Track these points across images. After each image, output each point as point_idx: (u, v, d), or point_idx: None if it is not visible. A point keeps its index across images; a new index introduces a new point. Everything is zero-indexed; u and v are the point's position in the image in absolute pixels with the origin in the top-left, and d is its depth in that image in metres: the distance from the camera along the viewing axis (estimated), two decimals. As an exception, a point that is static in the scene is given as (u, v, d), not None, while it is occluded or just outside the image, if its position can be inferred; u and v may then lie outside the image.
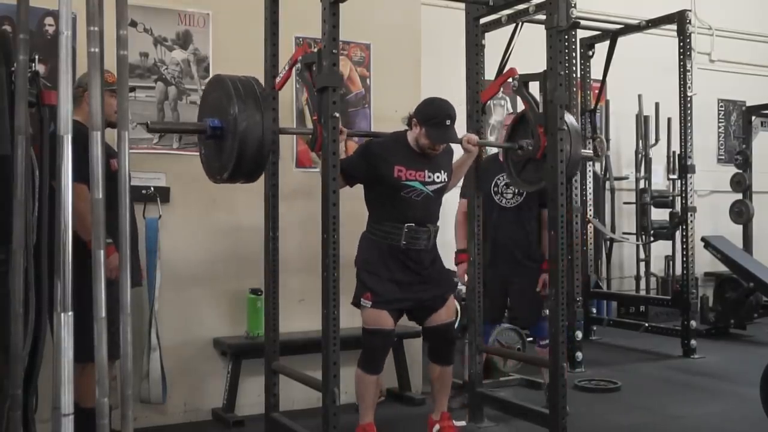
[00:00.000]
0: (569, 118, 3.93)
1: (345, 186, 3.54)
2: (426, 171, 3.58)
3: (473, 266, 4.09)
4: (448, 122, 3.50)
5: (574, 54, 6.09)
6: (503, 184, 4.34)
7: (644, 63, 7.82)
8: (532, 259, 4.37)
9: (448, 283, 3.82)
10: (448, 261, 3.96)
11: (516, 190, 4.31)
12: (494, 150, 4.76)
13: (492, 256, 4.40)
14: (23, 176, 2.04)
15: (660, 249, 8.09)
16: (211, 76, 4.23)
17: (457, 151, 3.81)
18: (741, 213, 7.86)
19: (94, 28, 1.96)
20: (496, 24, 4.48)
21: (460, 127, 4.18)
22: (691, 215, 6.04)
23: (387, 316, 3.53)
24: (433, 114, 3.53)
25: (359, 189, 3.68)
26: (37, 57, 2.16)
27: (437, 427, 3.76)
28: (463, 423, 3.98)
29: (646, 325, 6.68)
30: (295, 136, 4.46)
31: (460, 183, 4.09)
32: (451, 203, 4.28)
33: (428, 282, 3.64)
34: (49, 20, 3.83)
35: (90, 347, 1.94)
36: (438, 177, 3.62)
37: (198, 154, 3.78)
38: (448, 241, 4.45)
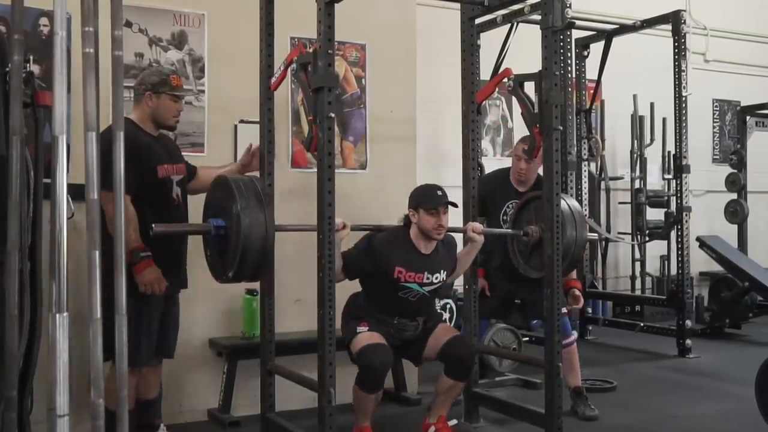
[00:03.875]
0: (572, 202, 3.97)
1: (344, 279, 3.54)
2: (425, 273, 3.58)
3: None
4: (439, 192, 3.53)
5: (569, 54, 6.10)
6: (512, 212, 4.35)
7: (639, 63, 7.85)
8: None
9: (437, 320, 3.86)
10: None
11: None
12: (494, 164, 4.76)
13: (500, 267, 4.40)
14: (18, 177, 2.04)
15: (655, 249, 8.11)
16: (206, 76, 4.25)
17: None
18: (736, 213, 7.88)
19: (89, 29, 1.96)
20: (492, 24, 4.48)
21: (457, 127, 4.20)
22: (686, 215, 6.05)
23: (382, 338, 3.50)
24: (422, 193, 3.59)
25: (356, 185, 3.68)
26: (31, 57, 2.17)
27: (432, 429, 3.74)
28: (454, 421, 3.98)
29: (642, 324, 6.70)
30: (290, 137, 4.46)
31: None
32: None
33: (419, 337, 3.68)
34: (43, 21, 3.82)
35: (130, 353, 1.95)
36: (437, 278, 3.63)
37: (195, 154, 3.80)
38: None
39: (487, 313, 4.49)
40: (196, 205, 3.60)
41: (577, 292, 4.30)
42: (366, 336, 3.49)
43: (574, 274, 4.38)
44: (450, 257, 3.75)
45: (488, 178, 4.73)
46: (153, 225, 3.09)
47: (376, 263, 3.53)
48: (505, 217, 4.35)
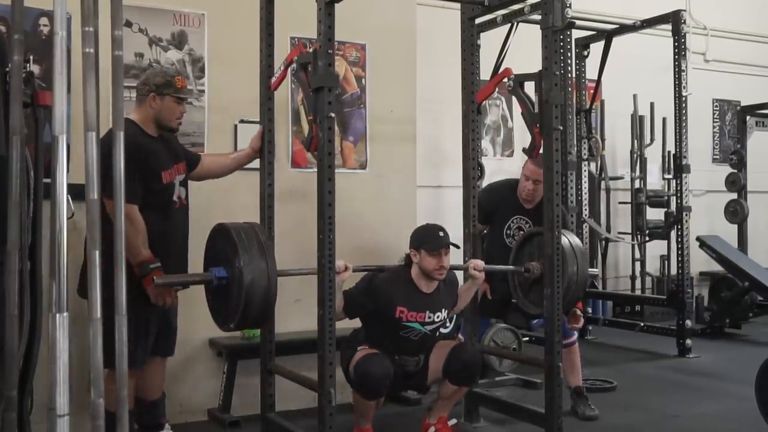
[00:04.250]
0: (573, 239, 3.96)
1: (344, 318, 3.53)
2: (427, 312, 3.58)
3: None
4: (441, 233, 3.53)
5: (569, 54, 6.10)
6: (516, 227, 4.33)
7: (639, 63, 7.85)
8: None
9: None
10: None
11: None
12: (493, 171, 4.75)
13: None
14: (18, 177, 2.04)
15: (655, 249, 8.11)
16: (206, 76, 4.25)
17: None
18: (736, 212, 7.88)
19: (89, 29, 1.95)
20: (492, 24, 4.48)
21: (457, 126, 4.20)
22: (686, 215, 6.05)
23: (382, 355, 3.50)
24: (424, 233, 3.58)
25: (356, 185, 3.68)
26: (31, 57, 2.16)
27: (433, 429, 3.74)
28: (454, 421, 3.98)
29: (642, 324, 6.70)
30: (290, 137, 4.46)
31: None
32: (453, 202, 4.26)
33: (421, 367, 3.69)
34: (43, 20, 3.82)
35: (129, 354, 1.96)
36: (438, 317, 3.63)
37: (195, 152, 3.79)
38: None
39: (487, 312, 4.49)
40: (198, 206, 3.61)
41: (578, 312, 4.29)
42: (364, 352, 3.50)
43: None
44: (451, 295, 3.75)
45: (495, 188, 4.71)
46: (155, 277, 3.10)
47: (378, 303, 3.53)
48: (509, 231, 4.36)
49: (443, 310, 3.66)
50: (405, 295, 3.55)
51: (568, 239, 3.87)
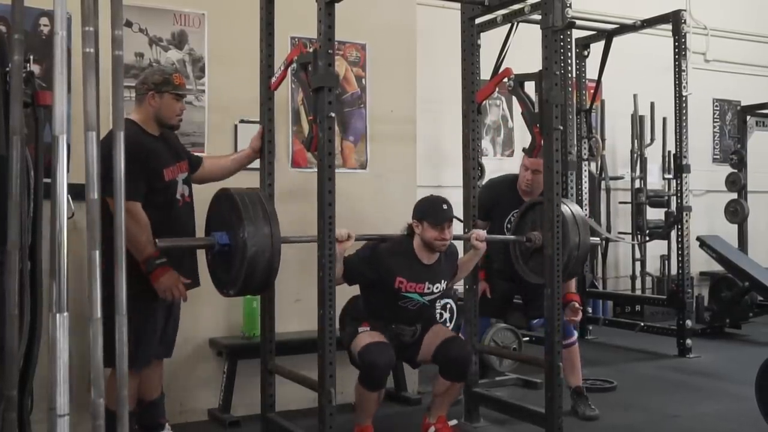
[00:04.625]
0: (575, 208, 3.98)
1: (343, 284, 3.54)
2: (426, 283, 3.58)
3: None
4: (445, 206, 3.54)
5: (569, 54, 6.10)
6: (516, 217, 4.33)
7: (639, 63, 7.85)
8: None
9: (433, 321, 3.87)
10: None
11: None
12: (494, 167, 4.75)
13: (498, 263, 4.40)
14: (18, 177, 2.04)
15: (655, 248, 8.12)
16: (206, 76, 4.25)
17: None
18: (736, 212, 7.88)
19: (90, 29, 1.95)
20: (492, 24, 4.49)
21: (457, 126, 4.20)
22: (686, 215, 6.05)
23: (383, 336, 3.51)
24: (428, 205, 3.58)
25: (356, 185, 3.68)
26: (32, 57, 2.16)
27: (432, 429, 3.73)
28: (455, 422, 3.98)
29: (642, 324, 6.70)
30: (290, 137, 4.46)
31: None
32: (454, 202, 4.25)
33: (417, 341, 3.70)
34: (44, 20, 3.82)
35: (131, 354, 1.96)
36: (437, 287, 3.64)
37: (195, 154, 3.79)
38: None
39: (487, 312, 4.49)
40: (198, 206, 3.61)
41: (576, 305, 4.29)
42: (367, 335, 3.50)
43: (573, 286, 4.36)
44: (451, 266, 3.75)
45: (494, 184, 4.72)
46: (157, 240, 3.09)
47: (378, 272, 3.53)
48: (509, 225, 4.35)
49: (442, 281, 3.66)
50: (405, 266, 3.55)
51: (570, 208, 3.88)
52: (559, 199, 3.51)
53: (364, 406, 3.53)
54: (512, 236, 4.07)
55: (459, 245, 3.87)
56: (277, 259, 3.14)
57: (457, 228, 3.81)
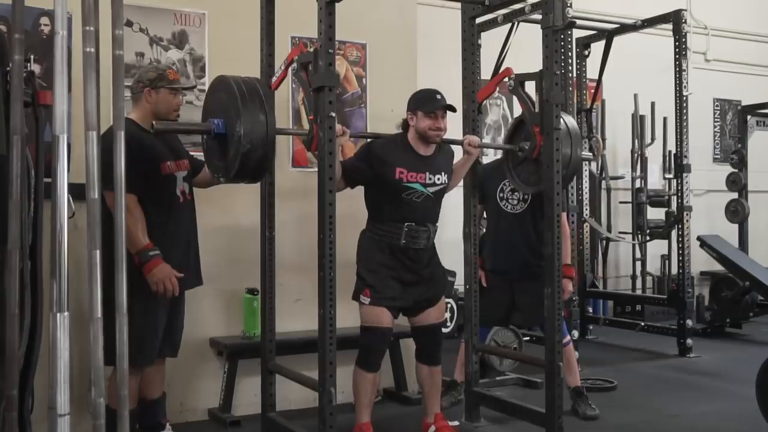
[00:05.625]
0: (569, 120, 3.94)
1: (346, 188, 3.57)
2: (427, 173, 3.58)
3: (470, 266, 4.09)
4: (438, 96, 3.55)
5: (570, 53, 6.09)
6: (509, 189, 4.31)
7: (640, 62, 7.85)
8: (540, 257, 4.27)
9: (443, 284, 3.84)
10: (447, 260, 3.95)
11: (521, 196, 4.27)
12: (492, 155, 4.75)
13: (498, 260, 4.37)
14: (19, 176, 2.03)
15: (656, 248, 8.12)
16: (207, 76, 4.25)
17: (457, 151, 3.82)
18: (736, 212, 7.88)
19: (90, 28, 1.95)
20: (492, 23, 4.47)
21: (457, 126, 4.19)
22: (686, 214, 6.05)
23: (385, 314, 3.52)
24: (421, 95, 3.61)
25: (357, 188, 3.68)
26: (32, 57, 2.16)
27: (432, 428, 3.73)
28: (456, 423, 3.98)
29: (642, 324, 6.70)
30: (291, 136, 4.46)
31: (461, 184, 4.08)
32: (454, 201, 4.25)
33: (426, 282, 3.65)
34: (44, 20, 3.82)
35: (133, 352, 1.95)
36: (438, 179, 3.62)
37: (195, 154, 3.79)
38: (447, 240, 4.46)
39: (489, 321, 4.45)
40: (198, 206, 3.61)
41: (568, 283, 4.26)
42: (369, 312, 3.51)
43: (568, 257, 4.34)
44: (448, 162, 3.74)
45: (483, 167, 4.60)
46: (153, 123, 3.10)
47: (376, 167, 3.53)
48: (501, 194, 4.33)
49: (443, 173, 3.64)
50: (403, 157, 3.55)
51: (564, 120, 3.83)
52: (559, 199, 3.51)
53: (360, 391, 3.55)
54: (507, 145, 4.06)
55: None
56: (272, 149, 3.12)
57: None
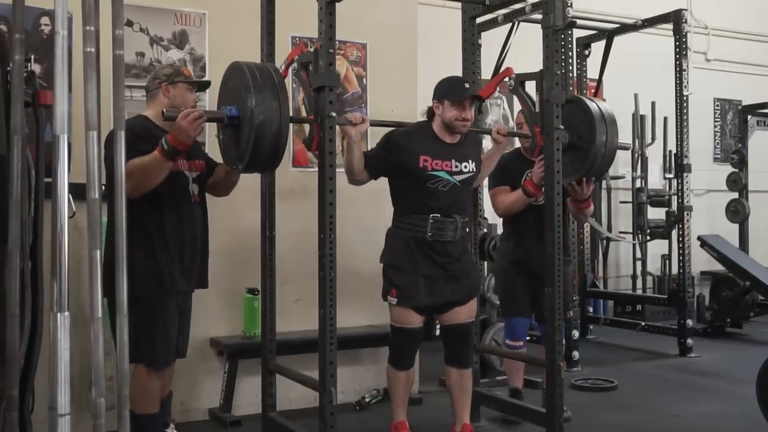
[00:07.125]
0: (603, 106, 3.89)
1: (369, 180, 3.49)
2: (453, 161, 3.46)
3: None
4: (466, 84, 3.48)
5: (570, 53, 6.10)
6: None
7: (640, 62, 7.84)
8: (564, 252, 4.20)
9: (475, 282, 3.70)
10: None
11: None
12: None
13: (523, 252, 4.25)
14: (19, 176, 2.03)
15: (656, 248, 8.11)
16: (207, 76, 4.25)
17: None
18: (737, 212, 7.88)
19: (90, 28, 1.95)
20: (492, 23, 4.47)
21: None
22: (687, 214, 6.05)
23: (412, 315, 3.45)
24: (448, 84, 3.51)
25: (357, 188, 3.68)
26: (33, 57, 2.16)
27: None
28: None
29: (643, 324, 6.70)
30: (291, 136, 4.45)
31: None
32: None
33: (456, 279, 3.50)
34: (44, 20, 3.83)
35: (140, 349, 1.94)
36: (465, 167, 3.50)
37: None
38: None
39: (514, 312, 4.33)
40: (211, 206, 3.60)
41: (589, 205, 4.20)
42: (398, 313, 3.46)
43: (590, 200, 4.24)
44: (476, 150, 3.63)
45: (502, 161, 4.55)
46: (164, 110, 3.08)
47: (399, 155, 3.42)
48: None
49: (470, 161, 3.52)
50: (427, 144, 3.45)
51: (598, 106, 3.80)
52: (560, 199, 3.51)
53: (393, 390, 3.54)
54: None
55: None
56: (285, 133, 3.08)
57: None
